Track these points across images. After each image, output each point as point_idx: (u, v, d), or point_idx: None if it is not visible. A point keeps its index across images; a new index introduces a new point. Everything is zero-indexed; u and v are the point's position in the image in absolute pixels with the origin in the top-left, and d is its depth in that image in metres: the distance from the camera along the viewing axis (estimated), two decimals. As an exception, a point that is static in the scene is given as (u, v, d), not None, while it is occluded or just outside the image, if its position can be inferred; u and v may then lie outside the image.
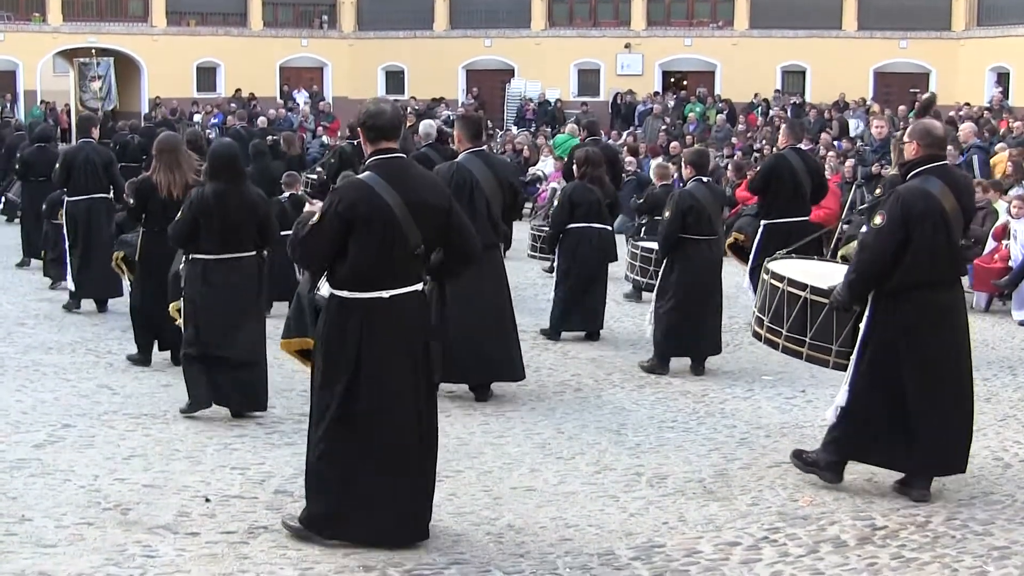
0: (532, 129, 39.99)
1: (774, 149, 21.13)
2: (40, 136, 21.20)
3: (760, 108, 41.90)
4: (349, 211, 7.43)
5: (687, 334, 13.06)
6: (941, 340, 8.72)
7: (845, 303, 8.88)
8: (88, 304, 16.47)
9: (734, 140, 34.75)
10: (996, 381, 12.86)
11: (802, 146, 16.36)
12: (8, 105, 42.90)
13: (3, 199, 27.96)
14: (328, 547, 7.61)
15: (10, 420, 10.68)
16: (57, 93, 46.30)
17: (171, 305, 11.47)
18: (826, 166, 22.70)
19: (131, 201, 12.85)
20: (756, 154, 30.36)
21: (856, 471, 9.29)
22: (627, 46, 47.17)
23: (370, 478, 7.57)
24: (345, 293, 7.55)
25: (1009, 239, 17.16)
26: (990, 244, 17.59)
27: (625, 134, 37.53)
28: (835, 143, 28.76)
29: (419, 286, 7.68)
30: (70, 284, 16.49)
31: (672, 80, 47.45)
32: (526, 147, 31.45)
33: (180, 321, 11.22)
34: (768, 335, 9.79)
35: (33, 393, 11.76)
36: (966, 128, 24.19)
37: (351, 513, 7.64)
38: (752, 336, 10.29)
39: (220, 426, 10.59)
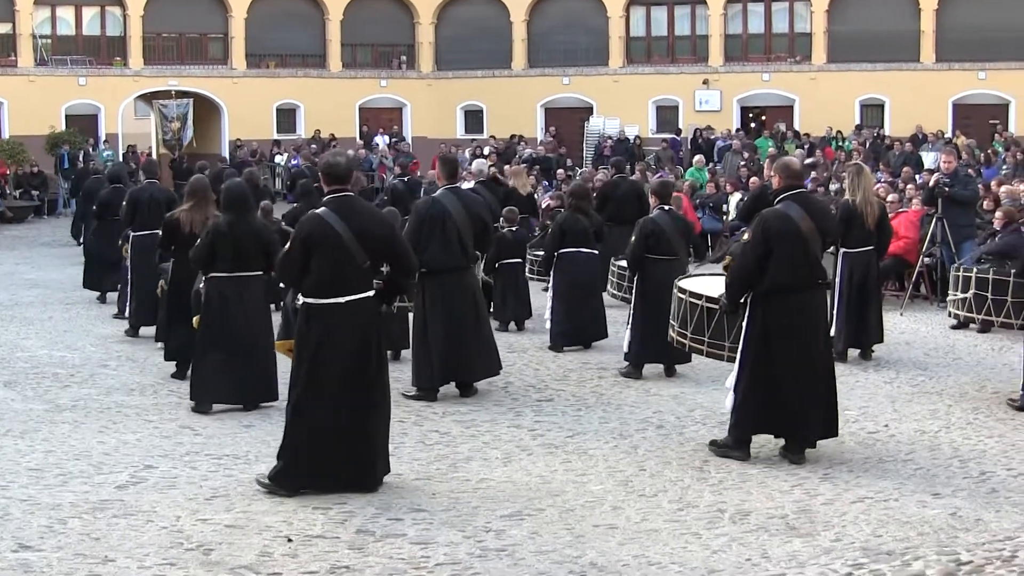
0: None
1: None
2: (112, 176, 21.87)
3: (835, 141, 41.63)
4: (308, 238, 9.60)
5: (656, 342, 14.23)
6: (803, 331, 10.70)
7: (728, 306, 11.05)
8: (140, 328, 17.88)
9: (813, 174, 34.39)
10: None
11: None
12: (90, 148, 43.37)
13: (82, 241, 28.32)
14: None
15: (93, 461, 10.78)
16: (138, 136, 46.79)
17: (194, 318, 13.20)
18: (910, 201, 22.59)
19: (160, 236, 14.73)
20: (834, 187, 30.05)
21: (939, 505, 9.21)
22: (705, 82, 47.10)
23: (322, 442, 9.56)
24: (312, 300, 9.64)
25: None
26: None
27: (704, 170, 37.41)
28: (916, 177, 28.47)
29: (370, 293, 9.72)
30: (126, 311, 18.42)
31: (750, 115, 47.31)
32: (605, 184, 31.44)
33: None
34: (678, 337, 12.13)
35: (116, 434, 11.86)
36: None
37: (307, 471, 9.60)
38: (667, 339, 12.49)
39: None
